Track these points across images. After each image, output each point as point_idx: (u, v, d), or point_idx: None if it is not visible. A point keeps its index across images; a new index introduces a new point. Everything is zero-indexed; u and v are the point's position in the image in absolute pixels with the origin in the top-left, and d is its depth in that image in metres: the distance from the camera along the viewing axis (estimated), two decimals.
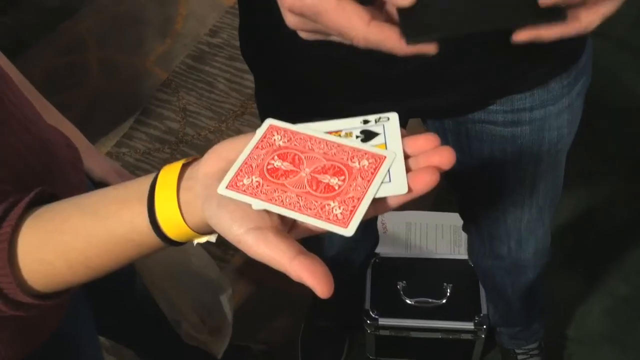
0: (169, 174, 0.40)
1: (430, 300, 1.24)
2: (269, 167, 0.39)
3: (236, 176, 0.38)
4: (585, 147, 0.85)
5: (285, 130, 0.41)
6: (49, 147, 0.60)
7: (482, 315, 1.22)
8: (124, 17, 1.99)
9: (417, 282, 1.26)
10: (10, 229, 0.42)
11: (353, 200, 0.37)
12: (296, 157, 0.40)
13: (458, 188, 0.95)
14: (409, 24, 0.41)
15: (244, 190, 0.38)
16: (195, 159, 0.41)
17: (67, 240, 0.42)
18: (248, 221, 0.36)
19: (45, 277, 0.43)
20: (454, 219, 1.46)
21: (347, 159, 0.39)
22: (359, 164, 0.39)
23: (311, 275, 0.34)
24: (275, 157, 0.40)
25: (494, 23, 0.42)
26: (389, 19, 0.43)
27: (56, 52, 1.91)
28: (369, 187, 0.38)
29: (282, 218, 0.38)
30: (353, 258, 1.17)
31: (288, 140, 0.40)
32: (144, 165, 1.69)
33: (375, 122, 0.41)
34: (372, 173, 0.38)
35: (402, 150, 0.39)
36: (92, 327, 0.77)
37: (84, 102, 1.77)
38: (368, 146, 0.40)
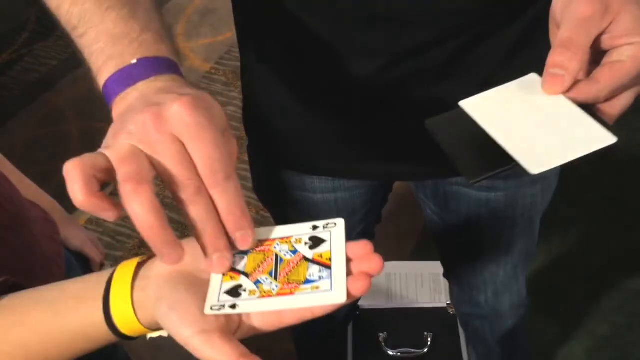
0: (124, 272, 0.42)
1: (412, 350, 1.25)
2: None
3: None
4: (560, 193, 0.89)
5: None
6: (25, 223, 0.62)
7: None
8: None
9: (398, 333, 1.27)
10: None
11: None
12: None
13: (439, 239, 0.98)
14: (468, 166, 0.44)
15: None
16: (149, 257, 0.43)
17: (26, 334, 0.43)
18: (195, 324, 0.38)
19: None
20: (433, 267, 1.49)
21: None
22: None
23: None
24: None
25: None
26: None
27: (37, 124, 1.95)
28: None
29: (228, 320, 0.39)
30: (335, 312, 1.18)
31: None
32: (124, 229, 1.71)
33: (324, 228, 0.42)
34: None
35: (345, 258, 0.40)
36: None
37: None
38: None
